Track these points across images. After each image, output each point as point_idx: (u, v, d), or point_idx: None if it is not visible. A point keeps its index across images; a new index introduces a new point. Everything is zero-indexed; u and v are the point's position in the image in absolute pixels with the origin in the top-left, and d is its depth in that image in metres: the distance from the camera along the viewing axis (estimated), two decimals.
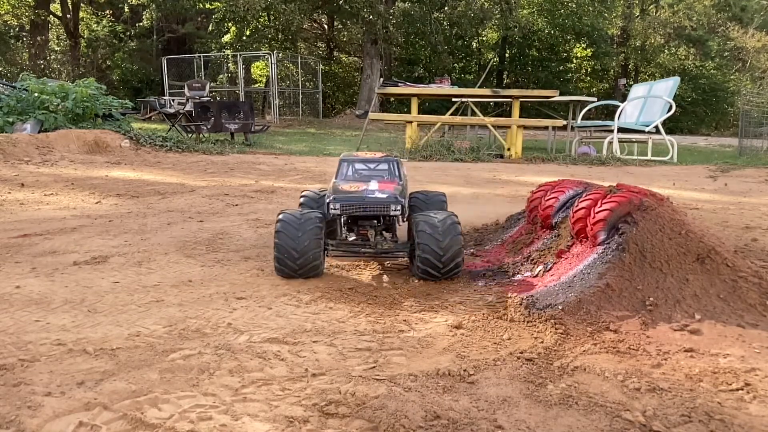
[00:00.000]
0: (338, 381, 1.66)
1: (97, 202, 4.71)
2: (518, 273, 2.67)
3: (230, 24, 20.53)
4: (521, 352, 1.87)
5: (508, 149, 9.25)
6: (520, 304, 2.22)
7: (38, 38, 23.52)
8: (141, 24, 24.35)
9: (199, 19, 23.82)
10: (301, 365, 1.78)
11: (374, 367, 1.77)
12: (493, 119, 10.98)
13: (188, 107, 11.96)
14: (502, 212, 3.94)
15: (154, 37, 23.94)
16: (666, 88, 9.88)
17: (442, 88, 12.42)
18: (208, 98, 13.31)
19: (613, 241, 2.35)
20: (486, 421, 1.46)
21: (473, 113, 10.85)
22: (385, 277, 2.72)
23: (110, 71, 23.31)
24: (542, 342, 1.94)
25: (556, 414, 1.51)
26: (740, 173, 7.70)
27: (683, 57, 25.69)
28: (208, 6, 21.57)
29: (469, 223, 3.90)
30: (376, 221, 2.77)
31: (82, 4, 24.33)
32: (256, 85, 25.31)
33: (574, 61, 26.50)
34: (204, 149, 8.80)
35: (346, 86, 27.34)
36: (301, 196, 3.19)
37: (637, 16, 24.85)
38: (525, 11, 24.45)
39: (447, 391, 1.62)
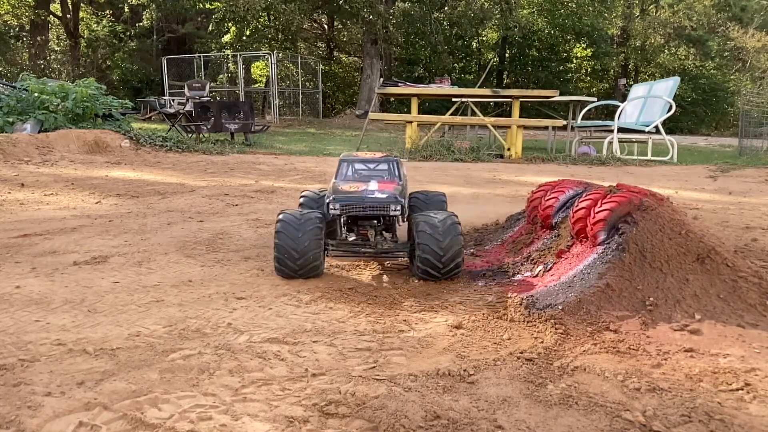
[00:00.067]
0: (338, 381, 1.66)
1: (97, 202, 4.71)
2: (518, 273, 2.67)
3: (230, 24, 20.53)
4: (521, 352, 1.87)
5: (508, 149, 9.25)
6: (520, 304, 2.22)
7: (38, 38, 23.52)
8: (141, 24, 24.35)
9: (199, 19, 23.83)
10: (301, 365, 1.78)
11: (374, 367, 1.77)
12: (493, 119, 10.98)
13: (188, 107, 11.96)
14: (502, 212, 3.94)
15: (154, 37, 23.94)
16: (666, 88, 9.88)
17: (442, 88, 12.42)
18: (208, 98, 13.31)
19: (613, 241, 2.35)
20: (486, 421, 1.46)
21: (473, 113, 10.85)
22: (385, 277, 2.72)
23: (110, 71, 23.32)
24: (542, 342, 1.94)
25: (556, 414, 1.51)
26: (740, 173, 7.70)
27: (683, 57, 25.69)
28: (208, 6, 21.57)
29: (469, 223, 3.90)
30: (376, 221, 2.77)
31: (82, 4, 24.32)
32: (256, 85, 25.31)
33: (574, 61, 26.50)
34: (204, 149, 8.80)
35: (346, 86, 27.34)
36: (301, 197, 3.19)
37: (637, 16, 24.85)
38: (525, 11, 24.45)
39: (447, 391, 1.62)
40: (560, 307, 2.11)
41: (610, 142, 9.40)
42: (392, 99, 21.24)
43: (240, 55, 19.96)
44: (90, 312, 2.21)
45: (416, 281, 2.62)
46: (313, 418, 1.47)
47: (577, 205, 2.58)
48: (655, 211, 2.37)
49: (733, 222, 4.16)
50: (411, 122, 9.79)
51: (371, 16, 19.37)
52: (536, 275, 2.57)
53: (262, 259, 2.99)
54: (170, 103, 14.33)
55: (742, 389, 1.64)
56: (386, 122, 15.19)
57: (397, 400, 1.53)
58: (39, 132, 8.04)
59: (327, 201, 2.73)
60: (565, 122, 10.34)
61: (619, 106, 10.50)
